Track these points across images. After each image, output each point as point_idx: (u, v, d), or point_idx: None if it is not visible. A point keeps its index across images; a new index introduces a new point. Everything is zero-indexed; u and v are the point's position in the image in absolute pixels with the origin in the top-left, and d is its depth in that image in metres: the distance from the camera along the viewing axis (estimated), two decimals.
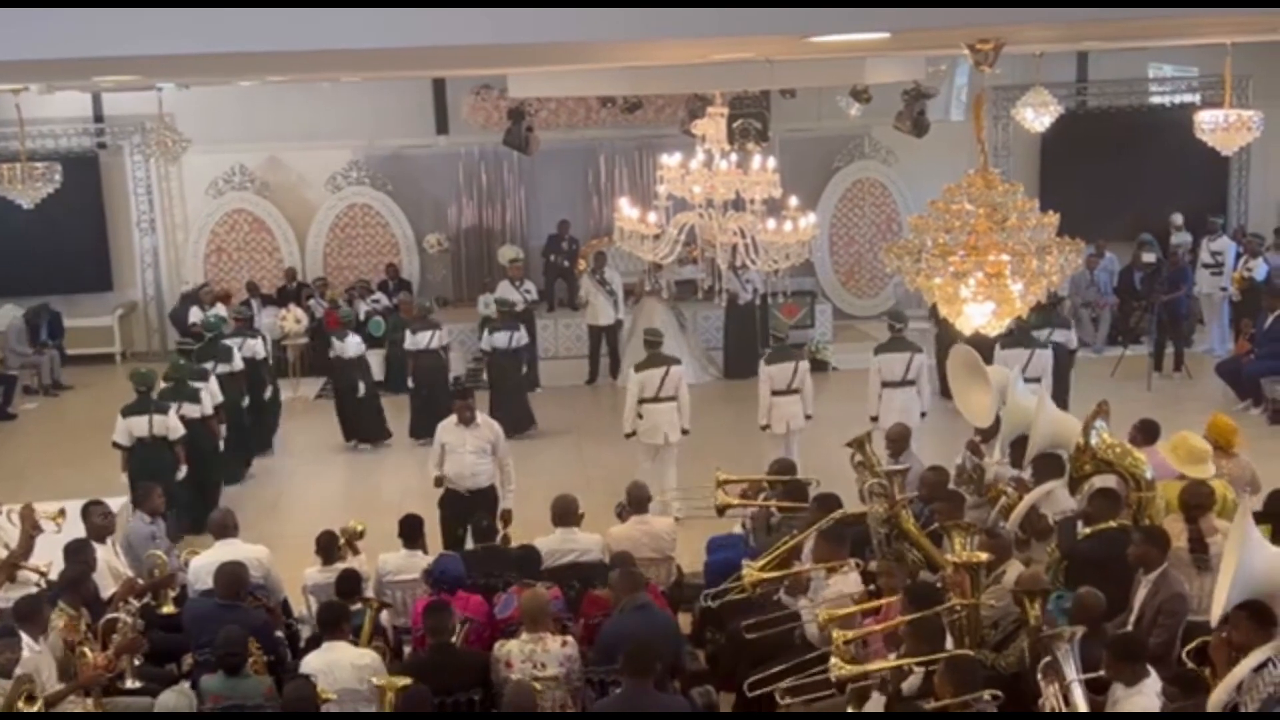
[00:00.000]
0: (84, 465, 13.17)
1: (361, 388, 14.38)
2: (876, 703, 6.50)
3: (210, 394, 12.24)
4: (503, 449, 10.49)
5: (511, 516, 9.40)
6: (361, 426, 14.46)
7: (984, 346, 9.87)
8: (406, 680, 6.72)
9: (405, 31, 4.31)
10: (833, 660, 6.52)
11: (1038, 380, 11.83)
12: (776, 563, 8.01)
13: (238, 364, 13.37)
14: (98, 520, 8.72)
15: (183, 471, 11.38)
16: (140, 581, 8.39)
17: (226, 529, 8.83)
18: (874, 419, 11.52)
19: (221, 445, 12.41)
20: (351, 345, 14.39)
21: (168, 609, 8.38)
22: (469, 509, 10.03)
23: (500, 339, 14.55)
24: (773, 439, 11.78)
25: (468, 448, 10.29)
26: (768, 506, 9.14)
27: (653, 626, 7.38)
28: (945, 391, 12.35)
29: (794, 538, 8.17)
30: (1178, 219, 18.11)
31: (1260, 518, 7.56)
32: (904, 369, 11.84)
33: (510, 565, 8.43)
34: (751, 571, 7.86)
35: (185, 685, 7.32)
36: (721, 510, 9.27)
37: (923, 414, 11.88)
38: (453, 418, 10.41)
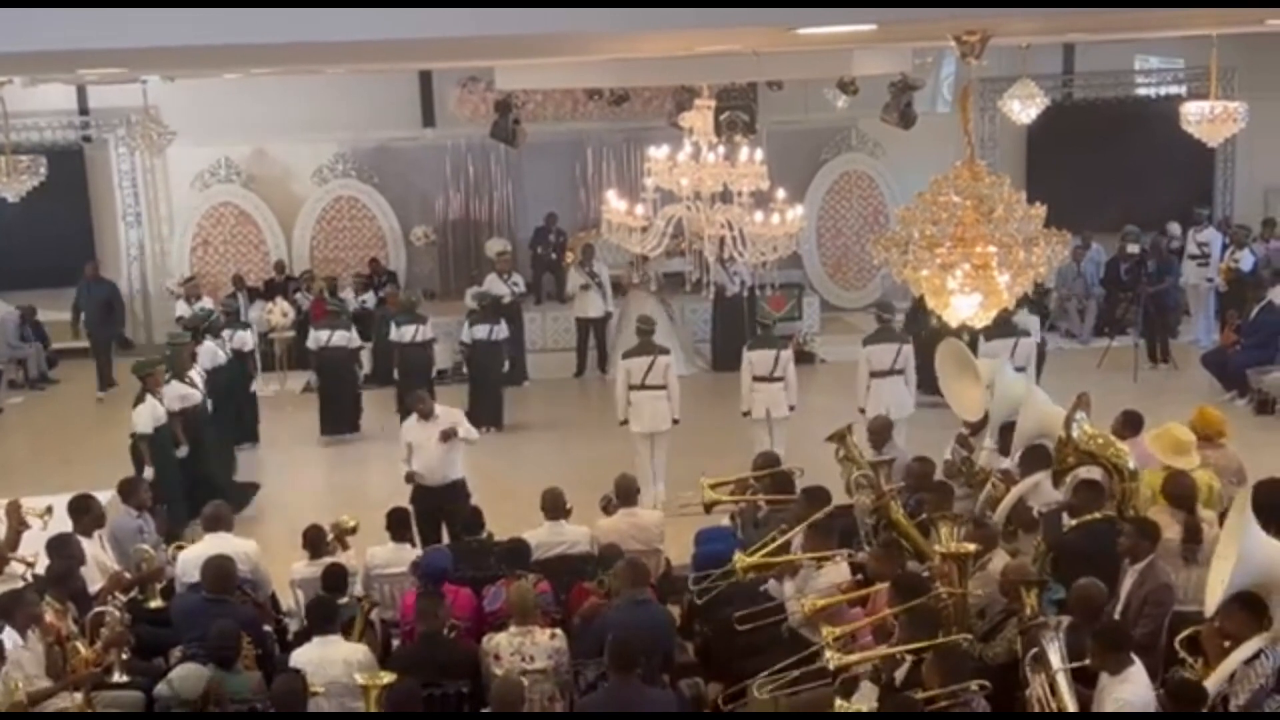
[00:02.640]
0: (70, 459, 13.12)
1: (341, 378, 14.33)
2: (867, 692, 6.51)
3: (200, 375, 12.28)
4: (465, 428, 10.46)
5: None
6: (340, 418, 14.41)
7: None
8: (391, 677, 6.71)
9: (390, 24, 4.30)
10: (826, 653, 6.53)
11: (1022, 369, 11.85)
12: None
13: (221, 358, 13.29)
14: (85, 515, 8.69)
15: (183, 450, 11.40)
16: (127, 575, 8.37)
17: (218, 522, 8.78)
18: (862, 410, 11.53)
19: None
20: (339, 337, 14.35)
21: (155, 603, 8.36)
22: (441, 503, 10.08)
23: (480, 331, 14.55)
24: (758, 429, 11.77)
25: (432, 442, 10.27)
26: (755, 500, 9.14)
27: (649, 621, 7.39)
28: (923, 385, 12.30)
29: (783, 532, 8.15)
30: (1175, 228, 17.98)
31: None
32: (892, 359, 11.84)
33: (499, 558, 8.44)
34: (742, 560, 7.86)
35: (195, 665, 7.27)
36: (709, 507, 9.27)
37: None
38: (414, 415, 10.44)
